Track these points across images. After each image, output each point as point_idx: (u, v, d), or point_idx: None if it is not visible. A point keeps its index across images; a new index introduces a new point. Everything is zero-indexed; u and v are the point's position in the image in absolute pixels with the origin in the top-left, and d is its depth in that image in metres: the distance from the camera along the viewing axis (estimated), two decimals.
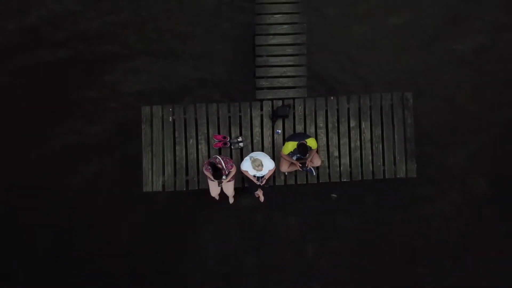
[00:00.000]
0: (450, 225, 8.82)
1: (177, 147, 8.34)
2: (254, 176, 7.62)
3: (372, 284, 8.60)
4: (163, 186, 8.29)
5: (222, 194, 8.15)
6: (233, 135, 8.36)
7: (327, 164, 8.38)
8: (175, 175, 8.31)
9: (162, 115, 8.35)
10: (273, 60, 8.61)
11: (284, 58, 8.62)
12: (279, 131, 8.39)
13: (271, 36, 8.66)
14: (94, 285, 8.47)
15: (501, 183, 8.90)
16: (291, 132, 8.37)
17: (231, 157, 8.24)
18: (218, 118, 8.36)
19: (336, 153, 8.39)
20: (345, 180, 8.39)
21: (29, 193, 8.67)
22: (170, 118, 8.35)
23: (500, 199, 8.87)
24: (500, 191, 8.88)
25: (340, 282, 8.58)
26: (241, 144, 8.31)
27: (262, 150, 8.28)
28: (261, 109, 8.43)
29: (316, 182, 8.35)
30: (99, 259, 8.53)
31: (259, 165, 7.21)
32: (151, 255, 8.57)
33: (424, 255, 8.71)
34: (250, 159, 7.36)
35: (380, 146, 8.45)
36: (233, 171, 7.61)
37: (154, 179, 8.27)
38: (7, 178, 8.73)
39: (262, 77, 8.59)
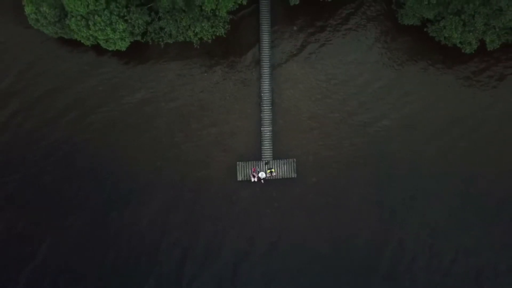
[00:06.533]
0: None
1: (243, 170, 39.03)
2: (262, 176, 38.41)
3: None
4: (242, 179, 38.94)
5: (254, 183, 38.85)
6: (257, 168, 39.07)
7: (276, 174, 39.21)
8: (244, 176, 38.99)
9: (242, 164, 39.08)
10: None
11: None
12: (267, 166, 39.21)
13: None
14: None
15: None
16: (270, 167, 39.13)
17: (257, 172, 38.95)
18: (253, 165, 39.09)
19: (276, 172, 39.18)
20: (280, 178, 39.07)
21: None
22: (241, 163, 39.16)
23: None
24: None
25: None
26: (258, 170, 39.06)
27: (263, 171, 38.99)
28: (262, 161, 39.22)
29: (275, 178, 39.00)
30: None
31: (262, 174, 38.10)
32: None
33: None
34: (260, 173, 38.22)
35: (289, 171, 39.21)
36: (257, 174, 38.44)
37: (239, 176, 38.94)
38: None
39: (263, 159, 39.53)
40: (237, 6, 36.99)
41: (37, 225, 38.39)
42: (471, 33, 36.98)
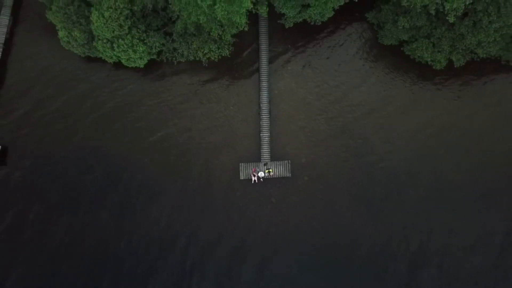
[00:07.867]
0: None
1: (245, 170, 45.37)
2: (261, 176, 44.76)
3: None
4: (244, 178, 45.22)
5: (254, 181, 45.19)
6: (257, 168, 45.39)
7: (273, 174, 45.54)
8: (245, 175, 45.31)
9: (244, 165, 45.40)
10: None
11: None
12: (265, 167, 45.55)
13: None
14: None
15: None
16: (268, 168, 45.46)
17: (257, 172, 45.28)
18: (254, 166, 45.41)
19: (273, 172, 45.51)
20: (277, 177, 45.40)
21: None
22: (243, 164, 45.50)
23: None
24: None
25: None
26: (258, 170, 45.40)
27: (262, 171, 45.31)
28: (261, 162, 45.54)
29: (272, 177, 45.32)
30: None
31: (261, 174, 44.43)
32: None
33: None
34: (259, 172, 44.57)
35: (285, 171, 45.55)
36: (257, 174, 44.78)
37: (241, 175, 45.24)
38: None
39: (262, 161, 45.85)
40: (239, 31, 43.16)
41: (50, 215, 43.80)
42: (439, 53, 43.28)
